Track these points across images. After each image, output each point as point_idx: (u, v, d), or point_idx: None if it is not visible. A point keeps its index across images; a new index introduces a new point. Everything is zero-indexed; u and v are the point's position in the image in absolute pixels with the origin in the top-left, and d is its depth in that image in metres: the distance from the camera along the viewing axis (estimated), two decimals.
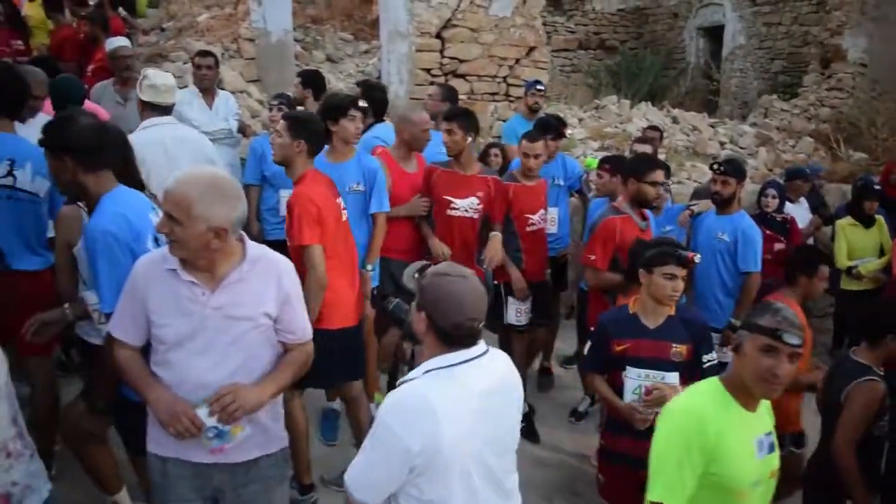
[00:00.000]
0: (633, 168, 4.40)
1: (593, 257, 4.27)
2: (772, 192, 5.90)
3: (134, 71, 5.59)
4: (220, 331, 2.31)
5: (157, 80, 4.31)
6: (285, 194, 5.33)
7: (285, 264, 2.48)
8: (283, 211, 5.29)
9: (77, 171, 2.73)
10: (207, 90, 5.99)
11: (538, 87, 6.56)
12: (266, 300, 2.37)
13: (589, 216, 5.23)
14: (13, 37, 6.91)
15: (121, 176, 2.83)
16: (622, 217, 4.28)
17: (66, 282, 2.97)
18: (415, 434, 1.96)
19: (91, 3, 8.45)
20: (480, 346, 2.15)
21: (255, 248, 2.41)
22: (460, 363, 2.08)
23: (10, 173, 3.38)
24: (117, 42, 5.97)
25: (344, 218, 3.84)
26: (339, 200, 3.86)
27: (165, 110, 4.40)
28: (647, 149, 5.79)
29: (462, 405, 2.06)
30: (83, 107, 4.48)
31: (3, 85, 3.50)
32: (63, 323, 2.89)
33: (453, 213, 4.65)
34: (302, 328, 2.52)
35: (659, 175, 4.31)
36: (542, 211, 5.00)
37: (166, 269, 2.29)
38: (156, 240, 2.70)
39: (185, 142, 4.45)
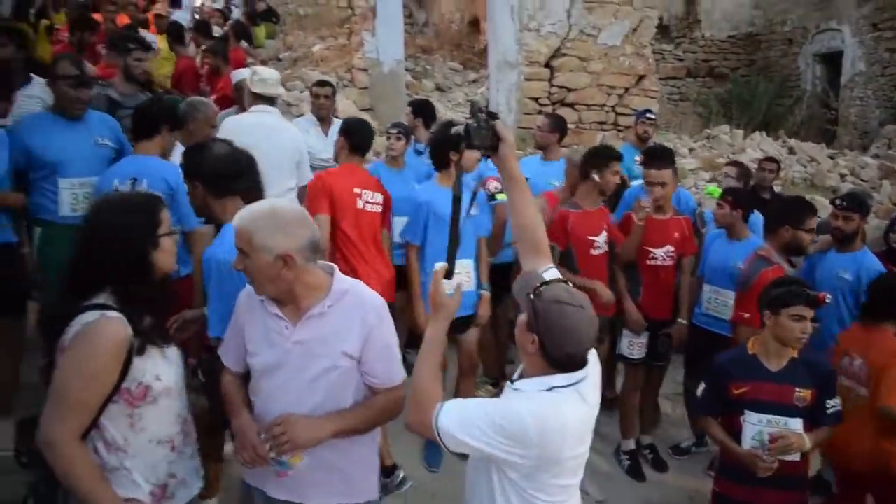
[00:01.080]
0: (789, 215, 4.22)
1: (748, 315, 4.04)
2: None
3: None
4: (300, 367, 2.25)
5: (265, 74, 5.03)
6: (399, 222, 5.51)
7: (373, 300, 2.34)
8: (399, 238, 5.46)
9: (206, 196, 2.86)
10: (324, 118, 6.15)
11: (648, 115, 6.47)
12: (347, 338, 2.25)
13: (704, 250, 5.06)
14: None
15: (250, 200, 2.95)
16: (773, 268, 4.09)
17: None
18: (546, 446, 2.00)
19: (215, 35, 8.97)
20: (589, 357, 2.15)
21: (342, 283, 2.31)
22: (581, 381, 2.09)
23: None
24: (241, 74, 6.25)
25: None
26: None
27: (271, 101, 4.94)
28: (733, 172, 5.64)
29: (586, 424, 2.13)
30: None
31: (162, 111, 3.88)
32: (202, 321, 3.01)
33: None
34: (385, 372, 2.33)
35: (815, 220, 4.18)
36: (668, 247, 4.68)
37: (259, 300, 2.30)
38: None
39: (277, 131, 4.79)
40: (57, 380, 2.01)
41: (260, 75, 5.00)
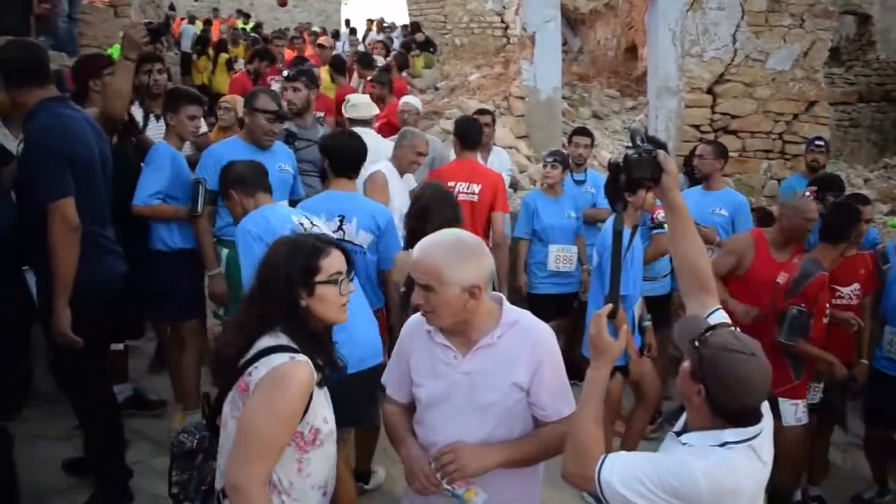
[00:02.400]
0: None
1: None
2: None
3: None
4: (468, 398, 2.22)
5: (356, 100, 5.62)
6: (555, 250, 5.53)
7: (542, 331, 2.31)
8: (552, 265, 5.48)
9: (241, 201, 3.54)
10: (483, 146, 6.25)
11: (818, 143, 6.16)
12: (516, 369, 2.21)
13: (888, 288, 4.70)
14: None
15: None
16: None
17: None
18: None
19: (377, 66, 9.36)
20: (763, 411, 2.02)
21: (511, 313, 2.28)
22: (755, 437, 1.96)
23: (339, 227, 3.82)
24: (407, 100, 6.49)
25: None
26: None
27: (366, 123, 5.43)
28: None
29: (760, 484, 1.99)
30: None
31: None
32: None
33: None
34: (553, 404, 2.26)
35: None
36: (855, 285, 4.50)
37: (426, 329, 2.28)
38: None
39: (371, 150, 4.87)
40: (246, 423, 2.00)
41: (352, 102, 5.56)
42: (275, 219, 3.33)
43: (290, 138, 5.03)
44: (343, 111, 5.62)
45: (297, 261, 2.12)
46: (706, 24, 8.39)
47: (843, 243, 4.22)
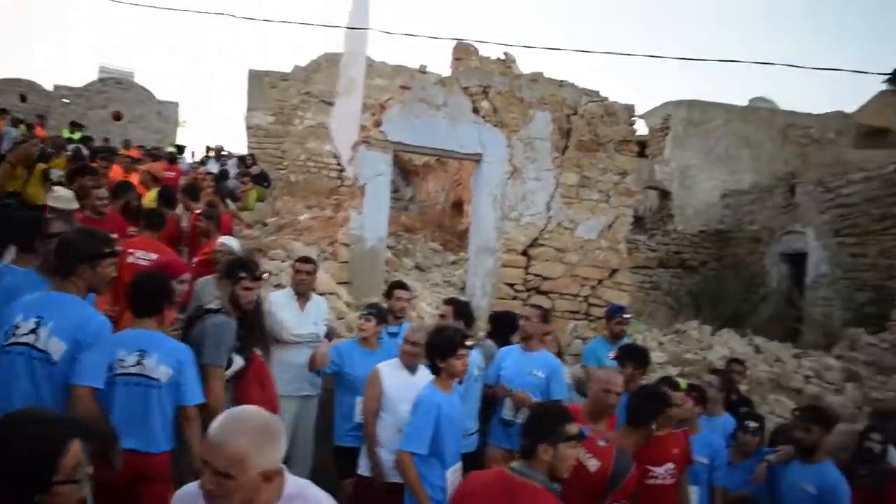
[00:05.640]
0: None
1: None
2: (876, 436, 5.29)
3: None
4: None
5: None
6: (361, 402, 5.48)
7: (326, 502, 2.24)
8: (358, 417, 5.42)
9: None
10: (303, 294, 6.22)
11: (625, 315, 6.61)
12: None
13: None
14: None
15: None
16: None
17: None
18: None
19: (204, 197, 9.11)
20: None
21: (294, 485, 2.19)
22: None
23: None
24: (224, 240, 6.37)
25: None
26: None
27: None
28: (716, 382, 5.70)
29: None
30: None
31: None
32: None
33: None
34: None
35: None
36: (668, 465, 4.44)
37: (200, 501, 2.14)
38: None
39: None
40: None
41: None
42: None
43: None
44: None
45: (31, 455, 1.86)
46: (524, 192, 9.07)
47: (646, 429, 4.18)
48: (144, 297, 3.99)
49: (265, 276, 4.93)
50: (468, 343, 4.40)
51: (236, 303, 4.45)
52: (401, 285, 6.33)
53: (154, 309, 3.97)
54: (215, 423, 2.07)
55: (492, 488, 3.18)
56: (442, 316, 5.99)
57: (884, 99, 26.85)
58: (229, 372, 4.22)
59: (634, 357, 5.38)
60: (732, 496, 5.09)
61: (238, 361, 4.28)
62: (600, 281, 9.23)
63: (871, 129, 21.74)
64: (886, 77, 17.40)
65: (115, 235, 4.53)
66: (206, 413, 3.73)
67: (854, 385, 9.52)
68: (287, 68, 19.47)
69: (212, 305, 4.42)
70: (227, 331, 4.23)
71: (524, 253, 9.01)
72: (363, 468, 4.72)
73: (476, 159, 9.09)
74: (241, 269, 4.50)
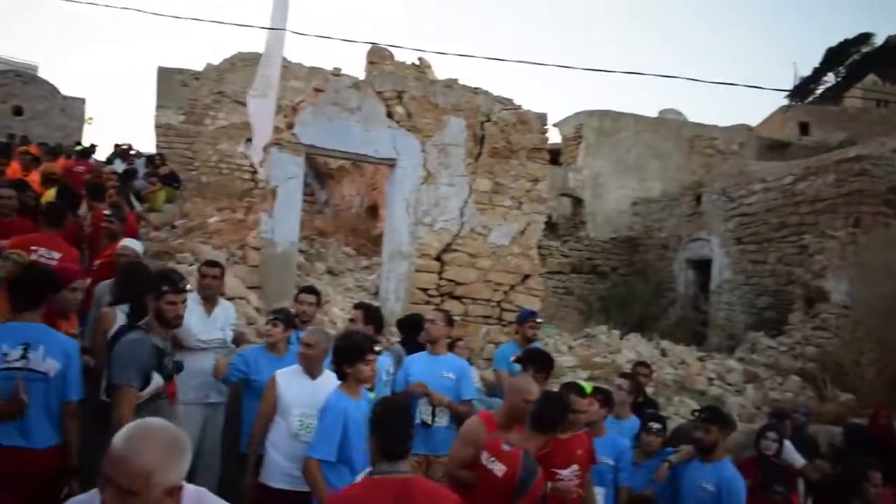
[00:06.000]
0: None
1: None
2: (772, 435, 5.72)
3: None
4: None
5: (135, 247, 5.76)
6: None
7: None
8: None
9: None
10: (209, 298, 6.05)
11: (537, 319, 6.72)
12: None
13: None
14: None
15: None
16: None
17: None
18: None
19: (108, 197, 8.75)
20: None
21: (190, 495, 2.13)
22: None
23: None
24: (126, 243, 6.16)
25: None
26: None
27: None
28: (626, 385, 5.85)
29: None
30: None
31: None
32: None
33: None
34: None
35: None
36: (574, 467, 4.43)
37: None
38: None
39: None
40: None
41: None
42: None
43: None
44: None
45: None
46: (438, 198, 9.09)
47: (550, 434, 4.15)
48: (25, 289, 3.92)
49: (189, 287, 4.61)
50: (376, 349, 4.37)
51: (163, 319, 4.18)
52: (307, 290, 6.26)
53: (36, 301, 3.91)
54: (119, 437, 1.97)
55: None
56: (352, 320, 5.97)
57: (784, 113, 28.22)
58: (146, 392, 3.99)
59: (536, 361, 5.45)
60: (635, 496, 5.21)
61: (157, 380, 4.00)
62: (513, 286, 9.33)
63: (772, 141, 22.80)
64: (787, 93, 18.29)
65: None
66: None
67: (754, 386, 9.94)
68: (199, 66, 19.02)
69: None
70: (140, 349, 3.96)
71: (438, 258, 9.03)
72: (264, 476, 4.62)
73: (390, 164, 9.06)
74: (164, 282, 4.22)
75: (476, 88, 9.62)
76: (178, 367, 4.29)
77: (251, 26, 9.71)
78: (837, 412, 9.17)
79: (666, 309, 14.83)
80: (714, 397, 9.12)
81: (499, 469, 3.87)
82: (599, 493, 5.01)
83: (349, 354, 4.23)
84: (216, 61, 18.74)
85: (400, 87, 9.07)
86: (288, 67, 17.42)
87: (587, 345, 9.88)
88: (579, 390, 4.68)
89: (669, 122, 19.45)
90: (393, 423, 3.14)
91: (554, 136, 18.01)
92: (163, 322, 4.18)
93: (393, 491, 2.98)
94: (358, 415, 4.23)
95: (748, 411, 9.00)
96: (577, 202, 17.86)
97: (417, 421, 5.46)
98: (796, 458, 6.22)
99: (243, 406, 5.48)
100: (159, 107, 18.37)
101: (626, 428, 5.68)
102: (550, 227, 16.27)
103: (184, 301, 4.31)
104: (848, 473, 5.14)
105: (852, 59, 20.14)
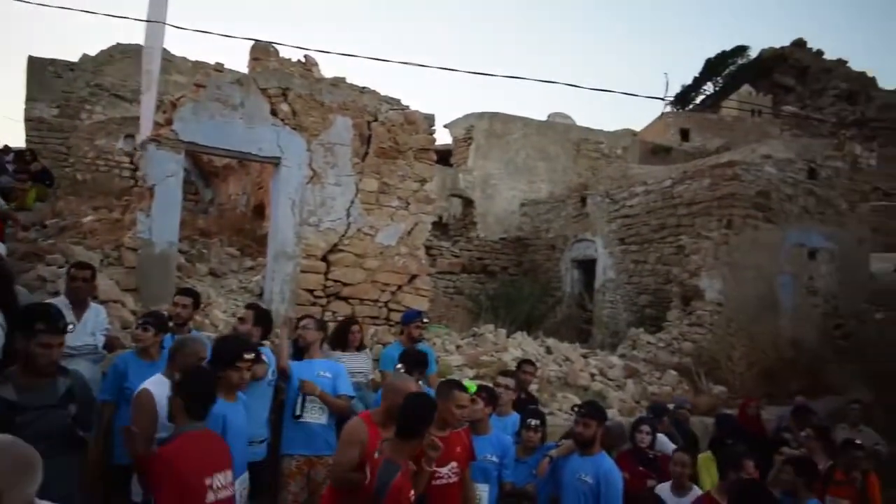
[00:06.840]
0: None
1: None
2: (646, 428, 6.21)
3: None
4: None
5: None
6: None
7: None
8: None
9: None
10: (79, 302, 5.77)
11: (423, 319, 6.83)
12: None
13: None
14: None
15: None
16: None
17: None
18: None
19: None
20: None
21: None
22: None
23: None
24: None
25: None
26: None
27: None
28: (511, 383, 6.01)
29: None
30: None
31: None
32: None
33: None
34: None
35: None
36: (452, 464, 4.53)
37: None
38: None
39: None
40: None
41: None
42: None
43: None
44: None
45: None
46: (324, 197, 8.98)
47: (416, 441, 3.99)
48: None
49: (70, 327, 3.92)
50: (247, 356, 4.37)
51: (33, 363, 3.52)
52: (183, 291, 6.12)
53: None
54: None
55: None
56: (241, 319, 5.93)
57: (666, 119, 29.54)
58: None
59: (407, 361, 5.52)
60: (517, 491, 5.32)
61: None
62: (400, 287, 9.33)
63: (655, 146, 23.81)
64: (663, 100, 19.06)
65: None
66: None
67: (634, 381, 10.30)
68: (75, 57, 18.11)
69: None
70: None
71: (324, 259, 8.92)
72: (136, 494, 4.39)
73: (274, 163, 8.87)
74: (38, 318, 3.60)
75: (363, 88, 9.56)
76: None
77: (127, 17, 9.26)
78: (711, 404, 9.67)
79: (553, 307, 15.18)
80: (596, 392, 9.40)
81: (367, 474, 3.91)
82: (484, 490, 5.10)
83: (218, 360, 4.31)
84: (93, 52, 17.87)
85: (285, 85, 8.89)
86: (171, 61, 16.88)
87: (475, 344, 9.97)
88: (462, 387, 4.74)
89: (557, 126, 19.96)
90: (196, 389, 3.78)
91: (444, 138, 18.19)
92: (31, 367, 3.55)
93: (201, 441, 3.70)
94: (235, 417, 4.32)
95: (628, 405, 9.32)
96: (468, 203, 18.06)
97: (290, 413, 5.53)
98: (668, 448, 6.56)
99: (115, 414, 5.24)
100: (29, 99, 17.35)
101: (508, 424, 5.84)
102: (441, 227, 16.40)
103: (60, 344, 3.71)
104: (723, 462, 5.44)
105: (729, 69, 21.30)
